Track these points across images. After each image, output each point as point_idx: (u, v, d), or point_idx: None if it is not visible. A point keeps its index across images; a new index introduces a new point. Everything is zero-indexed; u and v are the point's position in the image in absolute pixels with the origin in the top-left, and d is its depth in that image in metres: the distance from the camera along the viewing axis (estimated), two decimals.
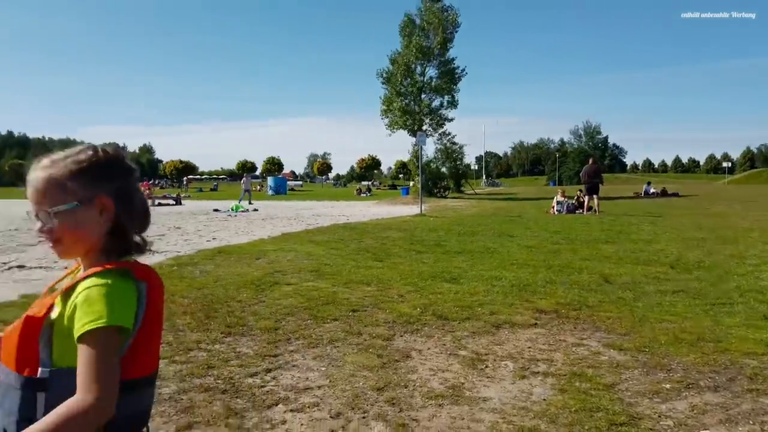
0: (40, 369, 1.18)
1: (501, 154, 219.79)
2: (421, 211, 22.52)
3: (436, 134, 40.47)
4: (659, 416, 3.47)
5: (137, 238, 1.39)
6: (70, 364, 1.17)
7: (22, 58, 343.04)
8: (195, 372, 4.19)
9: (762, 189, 52.83)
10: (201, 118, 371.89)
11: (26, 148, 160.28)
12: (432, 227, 15.80)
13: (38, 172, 1.28)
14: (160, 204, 31.27)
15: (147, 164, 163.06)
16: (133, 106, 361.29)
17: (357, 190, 59.25)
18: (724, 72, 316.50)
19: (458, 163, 43.84)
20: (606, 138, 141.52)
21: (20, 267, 8.90)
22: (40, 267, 8.94)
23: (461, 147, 42.61)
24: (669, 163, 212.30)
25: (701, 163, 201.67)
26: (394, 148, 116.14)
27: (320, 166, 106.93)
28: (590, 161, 22.45)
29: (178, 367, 4.28)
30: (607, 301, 6.39)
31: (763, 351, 4.58)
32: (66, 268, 1.47)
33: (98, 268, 1.25)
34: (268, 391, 3.87)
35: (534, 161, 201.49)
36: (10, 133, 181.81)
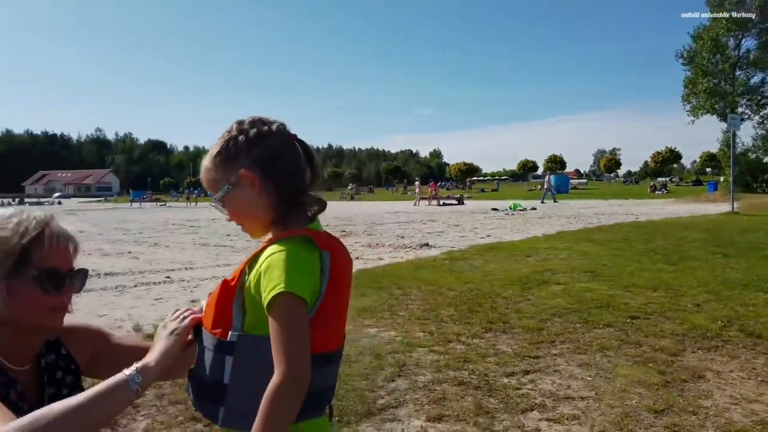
0: (230, 332, 1.17)
1: None
2: (732, 208, 19.01)
3: (756, 117, 33.77)
4: None
5: (311, 198, 1.27)
6: (260, 332, 1.14)
7: (331, 77, 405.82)
8: (451, 364, 4.12)
9: None
10: (483, 122, 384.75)
11: (341, 157, 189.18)
12: (746, 227, 13.11)
13: (201, 166, 1.29)
14: (444, 204, 33.17)
15: (436, 167, 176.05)
16: (422, 117, 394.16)
17: (651, 187, 53.29)
18: None
19: None
20: None
21: None
22: (357, 258, 10.20)
23: None
24: None
25: None
26: (697, 138, 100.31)
27: (607, 163, 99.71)
28: None
29: (435, 357, 4.29)
30: None
31: None
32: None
33: (279, 236, 1.20)
34: (523, 394, 3.57)
35: None
36: (330, 146, 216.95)
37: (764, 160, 34.80)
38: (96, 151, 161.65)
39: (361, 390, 3.65)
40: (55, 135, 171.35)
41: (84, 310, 6.06)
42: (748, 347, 4.32)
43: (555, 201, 30.87)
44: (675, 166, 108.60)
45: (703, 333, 4.66)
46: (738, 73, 33.25)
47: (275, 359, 1.09)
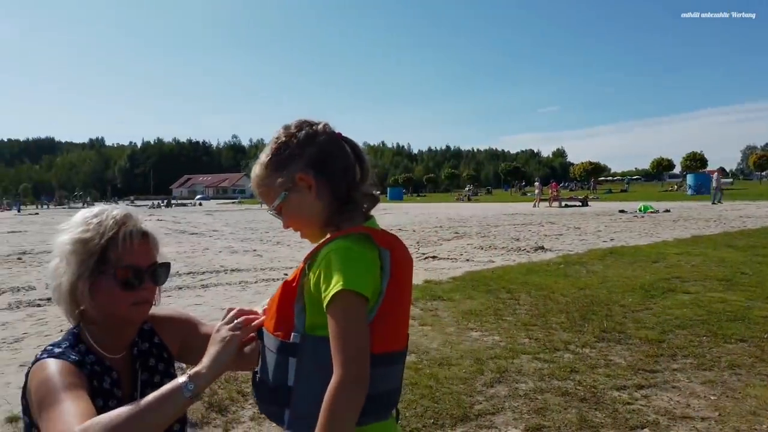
0: (292, 334, 1.16)
1: None
2: None
3: None
4: None
5: (363, 194, 1.26)
6: (322, 334, 1.14)
7: (453, 80, 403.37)
8: (556, 373, 3.93)
9: None
10: (613, 117, 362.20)
11: (458, 159, 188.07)
12: None
13: (251, 175, 1.28)
14: (566, 205, 31.69)
15: (559, 167, 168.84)
16: (546, 115, 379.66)
17: None
18: None
19: None
20: None
21: (434, 257, 10.31)
22: (448, 258, 10.16)
23: None
24: None
25: None
26: None
27: (758, 160, 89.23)
28: None
29: (539, 365, 4.11)
30: None
31: None
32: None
33: (337, 234, 1.18)
34: (634, 410, 3.31)
35: None
36: (447, 147, 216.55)
37: None
38: (232, 156, 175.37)
39: (458, 394, 3.60)
40: (198, 142, 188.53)
41: (209, 303, 6.60)
42: None
43: (719, 202, 28.38)
44: None
45: None
46: None
47: (334, 359, 1.08)
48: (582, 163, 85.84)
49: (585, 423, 3.15)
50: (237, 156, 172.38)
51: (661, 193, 47.89)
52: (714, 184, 30.60)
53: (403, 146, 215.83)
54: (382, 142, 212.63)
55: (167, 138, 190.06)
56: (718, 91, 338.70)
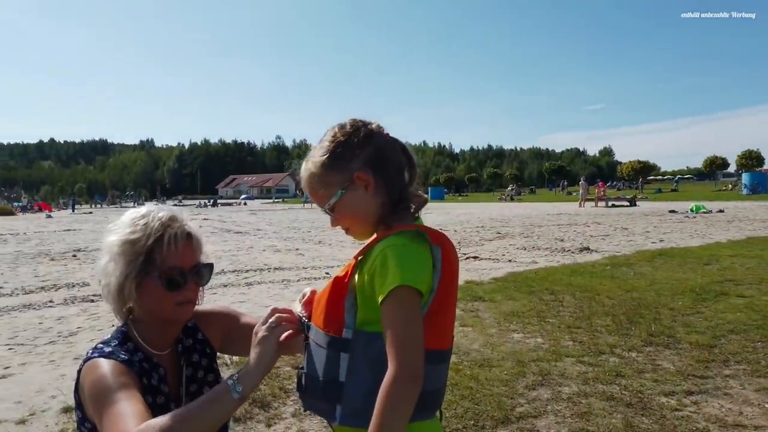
0: (344, 330, 1.17)
1: None
2: None
3: None
4: None
5: (413, 194, 1.27)
6: (373, 329, 1.15)
7: (493, 78, 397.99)
8: (601, 377, 3.84)
9: None
10: (662, 115, 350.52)
11: (501, 158, 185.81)
12: None
13: (302, 173, 1.28)
14: (613, 205, 30.85)
15: (606, 166, 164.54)
16: (592, 113, 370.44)
17: None
18: None
19: None
20: None
21: (475, 258, 10.21)
22: (489, 259, 10.05)
23: None
24: None
25: None
26: None
27: None
28: None
29: (583, 369, 4.02)
30: None
31: None
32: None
33: (391, 230, 1.19)
34: (683, 417, 3.20)
35: None
36: (489, 146, 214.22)
37: None
38: (276, 157, 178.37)
39: (499, 396, 3.56)
40: (243, 143, 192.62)
41: (253, 301, 6.73)
42: None
43: None
44: None
45: None
46: None
47: (389, 353, 1.08)
48: (630, 161, 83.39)
49: (631, 429, 3.07)
50: (280, 156, 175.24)
51: (714, 193, 46.07)
52: None
53: (444, 146, 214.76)
54: (424, 142, 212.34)
55: (214, 139, 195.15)
56: None
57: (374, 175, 1.22)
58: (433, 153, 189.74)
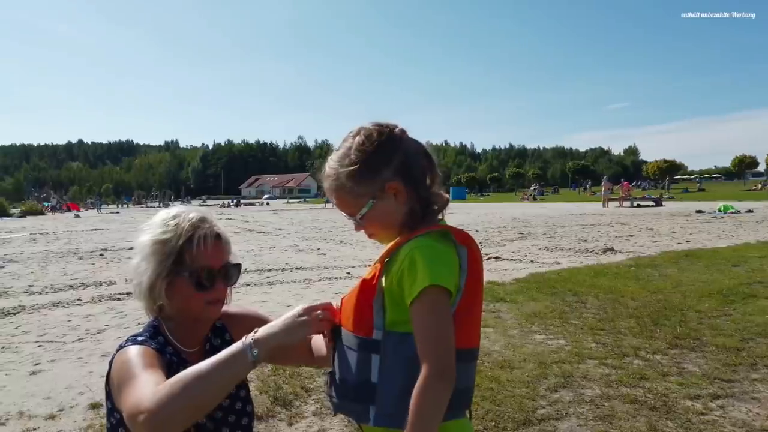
0: (374, 331, 1.18)
1: None
2: None
3: None
4: None
5: (436, 195, 1.28)
6: (403, 330, 1.16)
7: (512, 77, 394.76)
8: (624, 380, 3.79)
9: None
10: (688, 113, 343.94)
11: (523, 158, 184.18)
12: None
13: (327, 183, 1.28)
14: (638, 205, 30.35)
15: (631, 166, 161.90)
16: (615, 112, 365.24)
17: None
18: None
19: None
20: None
21: (497, 258, 10.16)
22: (511, 259, 9.98)
23: None
24: None
25: None
26: None
27: None
28: None
29: (607, 371, 3.98)
30: None
31: None
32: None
33: (418, 231, 1.20)
34: (709, 421, 3.14)
35: None
36: (510, 146, 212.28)
37: None
38: (298, 157, 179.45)
39: (520, 397, 3.54)
40: (265, 144, 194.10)
41: (275, 300, 6.79)
42: None
43: None
44: None
45: None
46: None
47: (421, 353, 1.09)
48: (656, 161, 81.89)
49: None
50: (302, 156, 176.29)
51: (743, 193, 45.02)
52: None
53: (465, 145, 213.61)
54: (445, 141, 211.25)
55: (237, 139, 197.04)
56: None
57: (404, 183, 1.23)
58: (455, 153, 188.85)
